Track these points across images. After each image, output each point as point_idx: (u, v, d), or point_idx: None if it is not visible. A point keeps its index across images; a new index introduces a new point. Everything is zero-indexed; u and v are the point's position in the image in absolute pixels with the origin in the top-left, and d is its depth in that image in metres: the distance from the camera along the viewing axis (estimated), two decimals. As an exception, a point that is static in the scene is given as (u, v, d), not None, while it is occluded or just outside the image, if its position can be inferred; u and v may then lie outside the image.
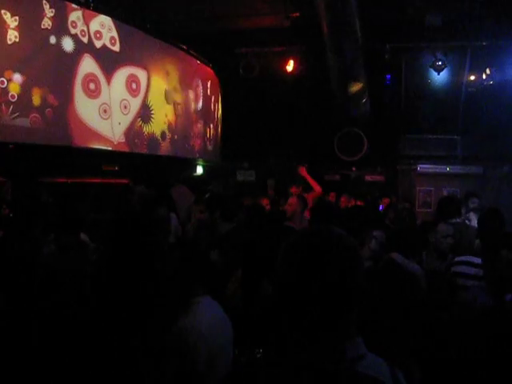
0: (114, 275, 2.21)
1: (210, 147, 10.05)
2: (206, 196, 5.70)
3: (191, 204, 5.47)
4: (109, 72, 6.56)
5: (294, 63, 9.05)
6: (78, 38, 5.99)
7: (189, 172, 9.52)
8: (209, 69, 9.92)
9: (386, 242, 3.48)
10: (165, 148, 8.05)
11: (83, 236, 3.65)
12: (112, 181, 7.27)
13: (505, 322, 2.33)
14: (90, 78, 6.19)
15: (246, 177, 10.99)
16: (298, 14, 8.08)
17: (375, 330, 1.85)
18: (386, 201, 7.92)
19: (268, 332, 2.46)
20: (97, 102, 6.35)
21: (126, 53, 6.95)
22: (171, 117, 8.26)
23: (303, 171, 6.87)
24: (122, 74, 6.85)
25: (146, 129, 7.49)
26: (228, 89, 10.35)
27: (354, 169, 10.87)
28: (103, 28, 6.46)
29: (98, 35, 6.35)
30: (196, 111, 9.30)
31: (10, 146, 5.20)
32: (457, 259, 3.47)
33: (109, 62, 6.57)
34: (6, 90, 5.00)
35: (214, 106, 10.28)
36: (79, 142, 6.11)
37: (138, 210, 5.09)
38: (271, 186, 9.83)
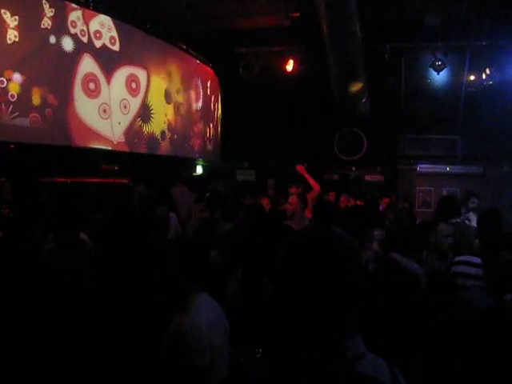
0: (108, 273, 2.21)
1: (209, 147, 10.06)
2: (207, 195, 5.70)
3: (192, 203, 5.47)
4: (108, 72, 6.56)
5: (294, 63, 9.04)
6: (78, 37, 5.99)
7: (189, 172, 9.52)
8: (209, 68, 9.92)
9: (385, 241, 3.48)
10: (164, 148, 8.05)
11: (83, 235, 3.65)
12: (112, 180, 7.27)
13: (505, 322, 2.33)
14: (89, 78, 6.19)
15: (245, 176, 11.00)
16: (298, 14, 8.07)
17: (375, 329, 1.85)
18: (386, 200, 7.91)
19: (268, 332, 2.46)
20: (96, 101, 6.35)
21: (126, 52, 6.95)
22: (171, 116, 8.26)
23: (301, 169, 6.87)
24: (121, 74, 6.85)
25: (146, 128, 7.49)
26: (228, 88, 10.35)
27: (353, 168, 10.87)
28: (103, 28, 6.46)
29: (97, 35, 6.35)
30: (196, 111, 9.30)
31: (11, 145, 5.20)
32: (457, 259, 3.47)
33: (108, 61, 6.57)
34: (5, 90, 5.00)
35: (214, 105, 10.28)
36: (79, 141, 6.11)
37: (137, 209, 5.08)
38: (271, 186, 9.83)
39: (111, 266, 2.21)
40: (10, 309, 2.43)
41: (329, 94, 8.63)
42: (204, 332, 2.17)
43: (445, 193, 9.53)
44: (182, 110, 8.67)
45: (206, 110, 9.80)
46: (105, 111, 6.47)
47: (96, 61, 6.30)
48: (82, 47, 6.06)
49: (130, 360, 1.97)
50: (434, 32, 8.29)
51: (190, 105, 9.00)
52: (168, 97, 8.12)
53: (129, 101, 7.01)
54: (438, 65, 8.47)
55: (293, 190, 6.99)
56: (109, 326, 1.99)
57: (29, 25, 5.29)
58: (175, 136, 8.37)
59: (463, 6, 7.50)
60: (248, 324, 2.86)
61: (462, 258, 3.44)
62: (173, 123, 8.30)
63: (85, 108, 6.09)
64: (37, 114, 5.39)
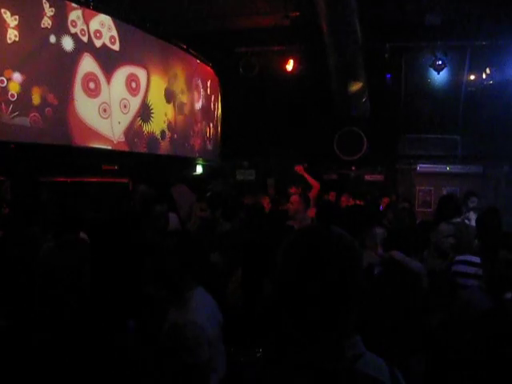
0: (104, 271, 2.21)
1: (209, 146, 10.05)
2: (208, 195, 5.70)
3: (192, 203, 5.47)
4: (108, 71, 6.55)
5: (294, 62, 9.05)
6: (78, 37, 5.98)
7: (189, 171, 9.51)
8: (209, 68, 9.92)
9: (385, 241, 3.48)
10: (164, 147, 8.05)
11: (83, 235, 3.65)
12: (112, 180, 7.26)
13: (504, 322, 2.33)
14: (89, 77, 6.18)
15: (245, 176, 11.00)
16: (297, 13, 8.08)
17: (375, 329, 1.85)
18: (386, 200, 7.91)
19: (268, 332, 2.46)
20: (96, 101, 6.34)
21: (126, 52, 6.95)
22: (171, 116, 8.26)
23: (300, 170, 6.86)
24: (121, 74, 6.85)
25: (146, 128, 7.48)
26: (228, 88, 10.35)
27: (353, 168, 10.87)
28: (103, 27, 6.45)
29: (97, 34, 6.35)
30: (196, 110, 9.30)
31: (11, 145, 5.19)
32: (457, 258, 3.47)
33: (108, 61, 6.57)
34: (5, 89, 4.99)
35: (214, 105, 10.28)
36: (79, 141, 6.11)
37: (136, 208, 5.08)
38: (271, 186, 9.84)
39: (103, 266, 2.21)
40: (9, 309, 2.43)
41: (329, 93, 8.63)
42: (203, 328, 2.15)
43: (445, 192, 9.52)
44: (182, 110, 8.67)
45: (206, 110, 9.79)
46: (105, 111, 6.47)
47: (96, 60, 6.29)
48: (82, 47, 6.05)
49: (130, 360, 1.97)
50: (434, 31, 8.29)
51: (190, 104, 8.99)
52: (168, 96, 8.11)
53: (129, 100, 7.00)
54: (438, 64, 8.47)
55: (293, 189, 6.99)
56: (107, 325, 2.00)
57: (29, 24, 5.28)
58: (175, 135, 8.37)
59: (463, 6, 7.50)
60: (248, 324, 2.86)
61: (462, 257, 3.45)
62: (173, 123, 8.30)
63: (85, 107, 6.09)
64: (37, 114, 5.38)
